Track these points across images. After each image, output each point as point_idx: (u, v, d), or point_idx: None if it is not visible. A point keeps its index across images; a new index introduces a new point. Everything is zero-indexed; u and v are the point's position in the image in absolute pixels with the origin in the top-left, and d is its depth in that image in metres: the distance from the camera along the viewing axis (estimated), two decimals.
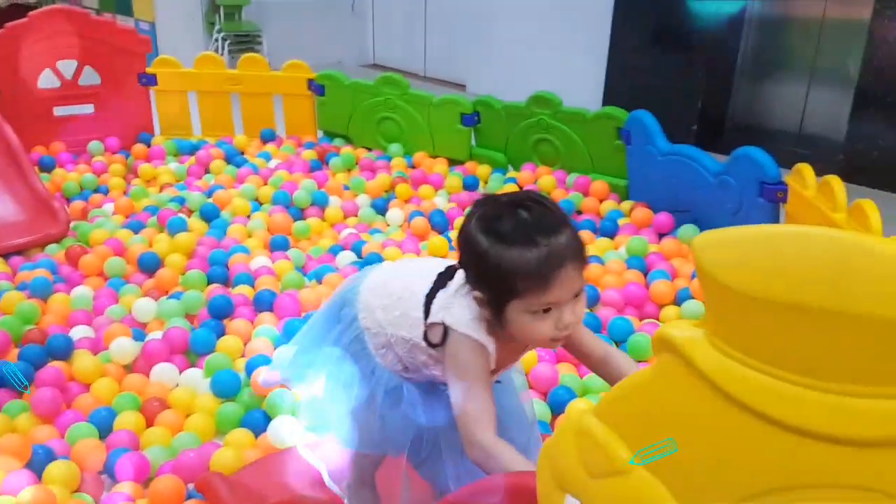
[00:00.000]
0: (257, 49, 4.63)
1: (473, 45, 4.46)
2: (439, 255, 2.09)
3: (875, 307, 0.35)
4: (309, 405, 1.16)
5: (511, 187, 2.55)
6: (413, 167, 2.76)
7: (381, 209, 2.42)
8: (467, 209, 0.96)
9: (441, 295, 0.97)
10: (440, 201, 2.48)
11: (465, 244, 0.93)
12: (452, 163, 2.79)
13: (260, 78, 2.99)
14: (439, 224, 2.29)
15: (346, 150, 2.87)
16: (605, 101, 3.59)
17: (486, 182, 2.68)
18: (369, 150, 2.92)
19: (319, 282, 1.92)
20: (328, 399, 1.08)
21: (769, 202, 1.93)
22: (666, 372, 0.47)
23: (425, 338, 0.97)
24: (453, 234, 2.22)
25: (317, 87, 2.99)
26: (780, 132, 3.50)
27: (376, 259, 1.99)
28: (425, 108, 2.81)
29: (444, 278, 0.99)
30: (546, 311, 0.88)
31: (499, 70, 4.23)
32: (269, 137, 3.01)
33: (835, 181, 1.66)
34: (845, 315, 0.36)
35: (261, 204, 2.39)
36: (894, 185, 2.83)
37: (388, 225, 2.36)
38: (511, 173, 2.70)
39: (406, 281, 1.02)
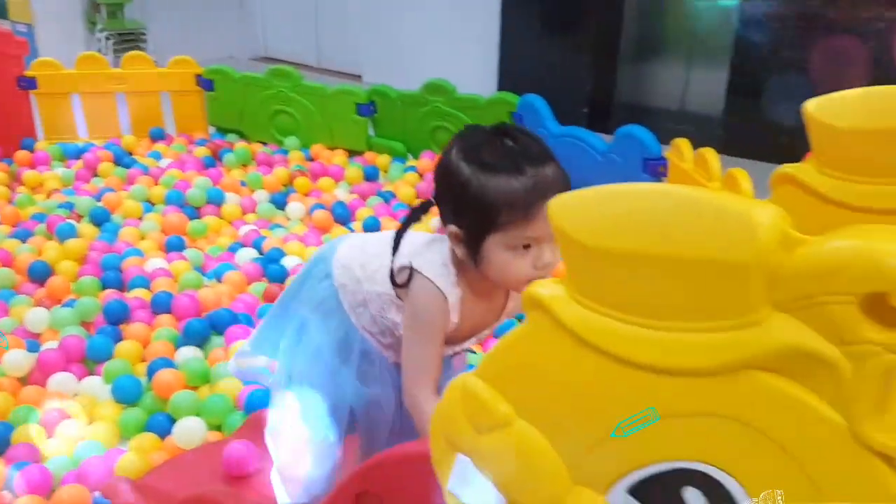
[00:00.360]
0: (142, 47, 4.46)
1: (367, 34, 4.45)
2: None
3: (700, 250, 0.40)
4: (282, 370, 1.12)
5: (412, 176, 2.58)
6: (311, 160, 2.75)
7: (280, 204, 2.40)
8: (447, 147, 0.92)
9: (412, 236, 0.95)
10: (341, 193, 2.48)
11: (444, 174, 0.88)
12: (351, 154, 2.79)
13: (145, 76, 2.90)
14: (342, 216, 2.29)
15: (241, 145, 2.83)
16: (500, 87, 3.67)
17: (385, 171, 2.69)
18: (264, 144, 2.89)
19: (220, 280, 1.89)
20: (298, 362, 1.05)
21: (652, 176, 2.04)
22: (535, 328, 0.51)
23: (392, 277, 0.93)
24: (356, 226, 2.23)
25: (205, 83, 2.93)
26: (664, 111, 3.67)
27: (278, 255, 1.98)
28: (320, 100, 2.80)
29: (417, 212, 0.96)
30: (526, 247, 0.84)
31: (394, 59, 4.24)
32: (158, 136, 2.93)
33: (709, 153, 1.77)
34: (677, 259, 0.41)
35: (153, 205, 2.33)
36: (768, 154, 3.02)
37: (289, 219, 2.34)
38: (411, 161, 2.73)
39: (386, 239, 0.99)
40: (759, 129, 3.12)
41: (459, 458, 0.60)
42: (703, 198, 0.40)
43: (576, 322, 0.47)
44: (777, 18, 3.03)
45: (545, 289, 0.49)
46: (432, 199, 0.94)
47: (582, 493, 0.52)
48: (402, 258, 0.94)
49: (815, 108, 0.69)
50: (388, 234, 1.02)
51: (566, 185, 0.86)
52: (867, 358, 0.36)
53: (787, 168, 0.73)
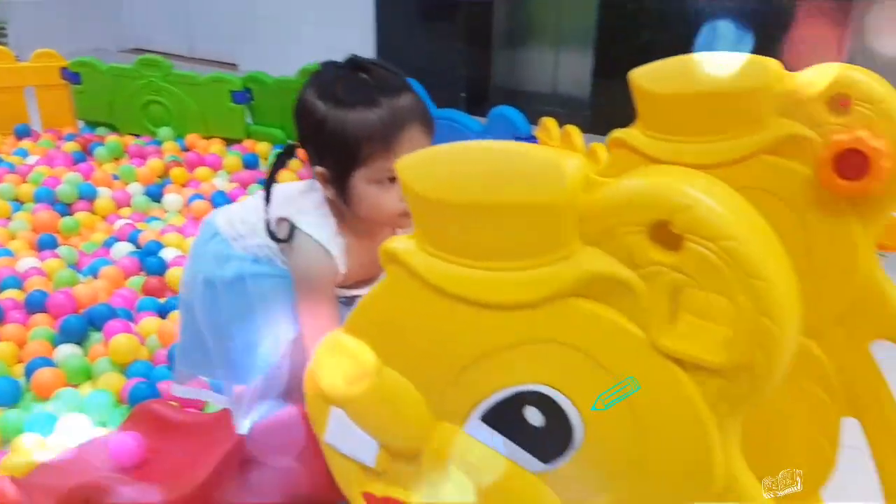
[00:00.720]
0: (3, 41, 4.20)
1: (241, 22, 4.37)
2: None
3: (519, 196, 0.46)
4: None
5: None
6: (187, 150, 2.69)
7: (156, 196, 2.35)
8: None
9: (288, 187, 0.93)
10: (220, 182, 2.45)
11: (303, 115, 0.86)
12: (229, 142, 2.75)
13: (7, 71, 2.75)
14: (222, 204, 2.26)
15: (112, 138, 2.73)
16: None
17: (266, 159, 2.68)
18: (137, 136, 2.80)
19: (95, 276, 1.85)
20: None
21: None
22: (393, 280, 0.56)
23: (269, 229, 0.90)
24: None
25: (71, 76, 2.81)
26: (537, 94, 3.81)
27: (156, 247, 1.95)
28: (192, 89, 2.74)
29: (282, 158, 0.94)
30: (392, 180, 0.83)
31: (269, 47, 4.19)
32: (23, 133, 2.79)
33: (573, 130, 1.88)
34: (501, 206, 0.47)
35: (22, 203, 2.23)
36: None
37: (167, 211, 2.30)
38: None
39: (260, 198, 0.97)
40: (622, 108, 3.29)
41: (334, 411, 0.65)
42: (520, 150, 0.46)
43: (425, 270, 0.52)
44: (635, 1, 3.21)
45: (399, 243, 0.54)
46: (296, 143, 0.92)
47: (444, 428, 0.58)
48: (279, 209, 0.92)
49: (638, 76, 0.77)
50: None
51: (424, 115, 0.85)
52: (656, 278, 0.44)
53: (618, 133, 0.81)
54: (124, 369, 1.51)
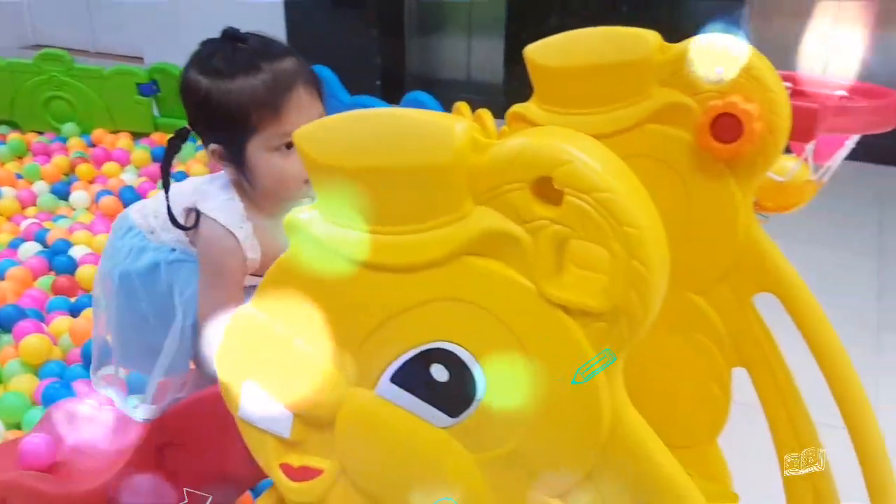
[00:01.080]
0: None
1: (145, 14, 4.24)
2: None
3: (413, 159, 0.48)
4: None
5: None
6: (93, 145, 2.61)
7: (62, 194, 2.28)
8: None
9: (194, 178, 0.91)
10: (128, 177, 2.39)
11: (187, 93, 0.85)
12: (136, 136, 2.69)
13: None
14: (131, 200, 2.21)
15: (14, 136, 2.63)
16: None
17: None
18: (40, 133, 2.70)
19: (2, 278, 1.78)
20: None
21: None
22: (298, 250, 0.57)
23: (171, 218, 0.88)
24: None
25: None
26: (452, 81, 3.85)
27: (65, 246, 1.90)
28: (97, 82, 2.66)
29: (175, 142, 0.92)
30: (289, 146, 0.83)
31: (175, 38, 4.07)
32: None
33: (485, 114, 1.91)
34: (396, 170, 0.49)
35: None
36: None
37: (74, 209, 2.23)
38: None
39: (176, 188, 0.95)
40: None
41: (246, 385, 0.66)
42: (411, 116, 0.49)
43: (327, 238, 0.54)
44: None
45: (301, 213, 0.56)
46: (187, 128, 0.91)
47: (356, 392, 0.60)
48: (185, 199, 0.90)
49: (531, 51, 0.81)
50: (179, 184, 1.00)
51: (310, 76, 0.85)
52: (541, 231, 0.47)
53: (516, 107, 0.85)
54: (37, 370, 1.47)
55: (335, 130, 0.52)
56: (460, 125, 0.48)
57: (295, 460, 0.65)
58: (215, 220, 0.88)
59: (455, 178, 0.48)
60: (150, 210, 1.01)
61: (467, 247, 0.49)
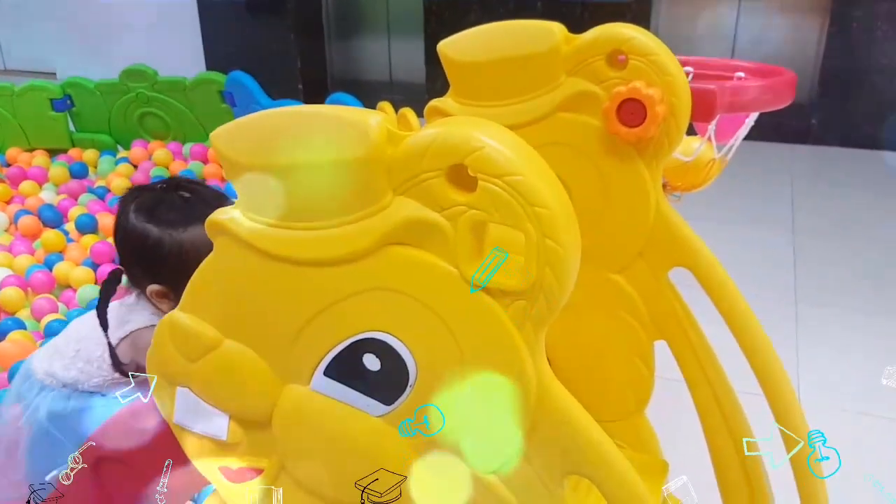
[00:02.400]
0: None
1: (55, 30, 4.10)
2: (56, 249, 1.98)
3: (330, 154, 0.50)
4: None
5: (125, 167, 2.47)
6: (8, 165, 2.52)
7: None
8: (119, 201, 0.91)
9: (116, 307, 0.92)
10: (47, 195, 2.32)
11: (129, 240, 0.88)
12: (53, 153, 2.60)
13: None
14: (52, 219, 2.15)
15: None
16: (209, 69, 3.60)
17: (95, 167, 2.56)
18: None
19: None
20: None
21: None
22: (222, 251, 0.58)
23: (116, 364, 0.89)
24: (69, 227, 2.10)
25: None
26: (374, 82, 3.86)
27: None
28: (7, 100, 2.57)
29: (109, 286, 0.93)
30: None
31: (88, 51, 3.96)
32: None
33: (409, 112, 1.93)
34: (314, 165, 0.50)
35: None
36: None
37: None
38: (122, 153, 2.61)
39: (71, 329, 0.95)
40: None
41: (180, 390, 0.66)
42: (326, 112, 0.50)
43: (251, 237, 0.55)
44: None
45: (223, 214, 0.56)
46: (121, 269, 0.93)
47: (291, 389, 0.61)
48: (119, 330, 0.92)
49: (444, 46, 0.83)
50: (74, 327, 0.98)
51: None
52: (459, 217, 0.49)
53: (434, 102, 0.87)
54: None
55: (252, 129, 0.53)
56: (375, 118, 0.49)
57: (234, 462, 0.65)
58: (153, 325, 0.90)
59: (373, 170, 0.49)
60: (66, 358, 0.96)
61: (389, 237, 0.51)
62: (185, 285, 0.83)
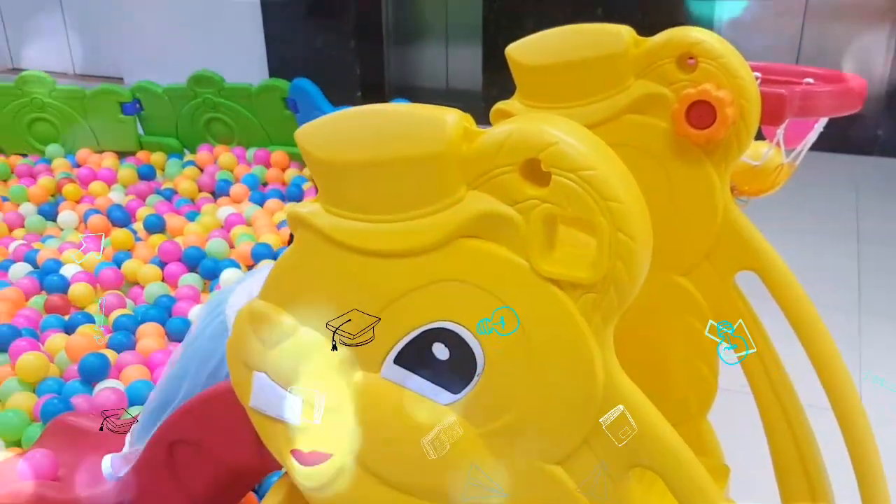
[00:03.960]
0: None
1: (122, 36, 4.25)
2: (125, 248, 2.06)
3: (407, 150, 0.52)
4: None
5: (191, 170, 2.56)
6: (78, 166, 2.63)
7: (50, 215, 2.29)
8: None
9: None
10: (116, 196, 2.41)
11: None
12: (122, 155, 2.70)
13: None
14: (120, 219, 2.24)
15: None
16: (271, 75, 3.70)
17: (162, 169, 2.65)
18: (24, 155, 2.71)
19: None
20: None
21: None
22: (302, 243, 0.60)
23: None
24: (137, 226, 2.19)
25: None
26: (431, 90, 3.90)
27: (55, 265, 1.91)
28: (79, 103, 2.68)
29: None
30: None
31: (156, 58, 4.10)
32: None
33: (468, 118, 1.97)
34: (392, 161, 0.52)
35: None
36: None
37: (62, 229, 2.25)
38: (188, 157, 2.70)
39: (265, 273, 0.96)
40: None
41: (256, 375, 0.68)
42: (405, 109, 0.52)
43: (330, 229, 0.57)
44: None
45: (304, 207, 0.59)
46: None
47: (363, 376, 0.63)
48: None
49: (511, 49, 0.85)
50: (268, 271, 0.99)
51: None
52: (531, 211, 0.50)
53: (500, 104, 0.89)
54: (34, 388, 1.48)
55: (333, 127, 0.55)
56: (451, 116, 0.51)
57: (306, 446, 0.67)
58: None
59: (448, 165, 0.51)
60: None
61: (463, 229, 0.53)
62: None
